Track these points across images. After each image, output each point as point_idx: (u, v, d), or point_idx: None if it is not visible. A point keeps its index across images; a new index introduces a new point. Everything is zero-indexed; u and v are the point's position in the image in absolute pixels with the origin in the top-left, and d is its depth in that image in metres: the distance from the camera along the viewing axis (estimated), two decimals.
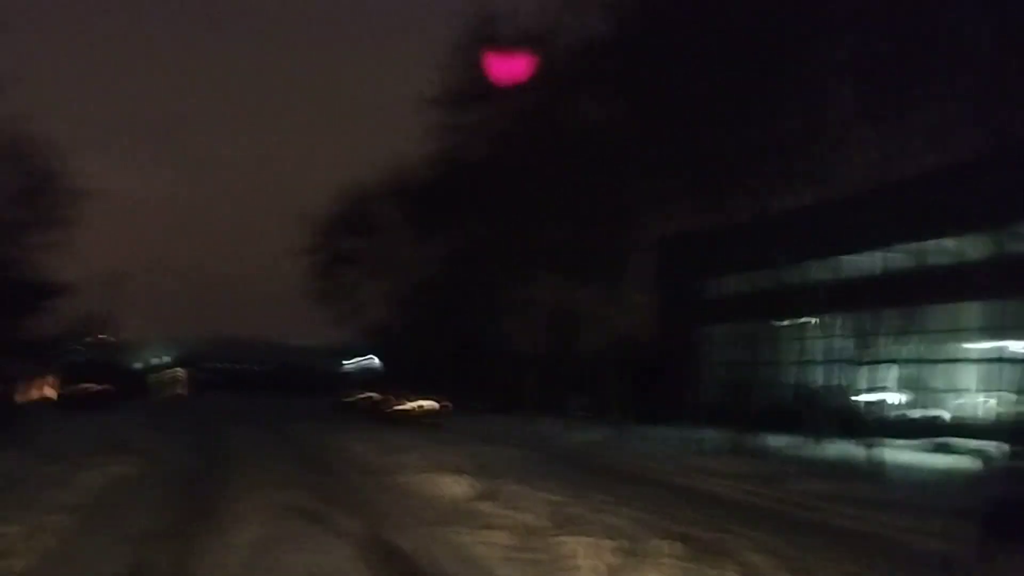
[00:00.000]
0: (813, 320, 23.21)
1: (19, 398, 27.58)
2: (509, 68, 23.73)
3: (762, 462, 16.31)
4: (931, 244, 20.63)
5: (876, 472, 14.84)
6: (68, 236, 31.82)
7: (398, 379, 38.09)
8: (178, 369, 58.71)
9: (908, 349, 20.63)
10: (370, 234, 41.28)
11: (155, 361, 64.37)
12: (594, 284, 26.29)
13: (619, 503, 10.51)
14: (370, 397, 33.98)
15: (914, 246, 20.58)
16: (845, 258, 20.77)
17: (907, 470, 15.20)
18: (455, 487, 11.87)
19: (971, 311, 20.88)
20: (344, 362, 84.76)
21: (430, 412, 28.78)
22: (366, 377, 53.10)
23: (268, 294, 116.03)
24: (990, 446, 16.47)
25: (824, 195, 19.91)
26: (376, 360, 78.44)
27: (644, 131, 21.56)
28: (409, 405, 28.74)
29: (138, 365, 47.56)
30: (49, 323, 44.86)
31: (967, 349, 21.61)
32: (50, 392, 27.66)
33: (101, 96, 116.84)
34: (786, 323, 23.18)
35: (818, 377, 23.11)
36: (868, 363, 18.61)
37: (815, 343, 23.51)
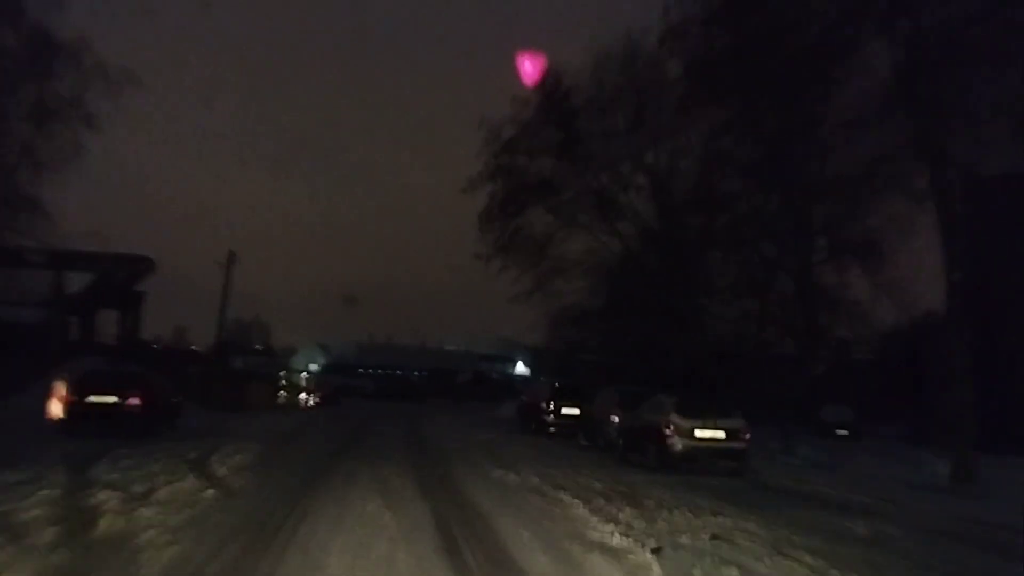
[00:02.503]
0: None
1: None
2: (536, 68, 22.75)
3: None
4: None
5: None
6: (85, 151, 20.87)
7: (581, 383, 25.67)
8: (303, 374, 47.50)
9: None
10: (572, 154, 24.53)
11: (306, 367, 55.30)
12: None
13: None
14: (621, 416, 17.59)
15: None
16: None
17: None
18: None
19: None
20: (510, 365, 76.40)
21: (726, 450, 14.49)
22: (539, 381, 39.64)
23: (423, 300, 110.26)
24: None
25: None
26: (522, 364, 66.97)
27: None
28: (706, 433, 14.17)
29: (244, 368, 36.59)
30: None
31: None
32: (56, 408, 15.83)
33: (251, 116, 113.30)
34: None
35: None
36: None
37: None
